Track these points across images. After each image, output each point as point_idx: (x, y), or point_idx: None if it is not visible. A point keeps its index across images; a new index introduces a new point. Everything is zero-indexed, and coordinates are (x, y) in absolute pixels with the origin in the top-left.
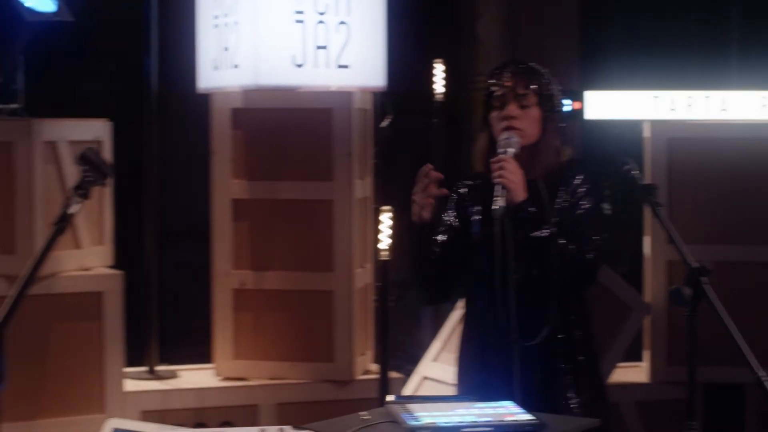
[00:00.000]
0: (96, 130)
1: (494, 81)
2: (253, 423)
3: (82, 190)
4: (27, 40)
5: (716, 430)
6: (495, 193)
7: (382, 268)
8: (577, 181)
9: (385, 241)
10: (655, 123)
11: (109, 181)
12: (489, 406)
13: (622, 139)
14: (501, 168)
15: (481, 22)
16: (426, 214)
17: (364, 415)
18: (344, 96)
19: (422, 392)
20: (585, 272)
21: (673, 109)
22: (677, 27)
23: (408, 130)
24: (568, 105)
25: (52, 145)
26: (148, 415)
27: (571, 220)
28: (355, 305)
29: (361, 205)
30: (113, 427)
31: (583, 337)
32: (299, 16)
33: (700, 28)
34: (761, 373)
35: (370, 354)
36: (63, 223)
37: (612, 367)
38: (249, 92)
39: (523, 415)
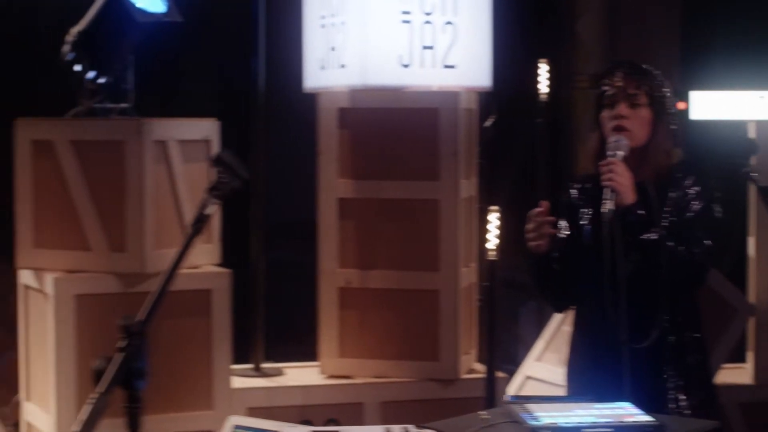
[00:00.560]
0: (204, 130)
1: (606, 81)
2: (358, 421)
3: (218, 191)
4: (137, 40)
5: None
6: (604, 196)
7: (490, 268)
8: (687, 183)
9: (492, 240)
10: (760, 123)
11: (243, 183)
12: (607, 406)
13: (725, 140)
14: (610, 171)
15: (581, 22)
16: (542, 249)
17: (483, 414)
18: (450, 96)
19: (526, 392)
20: (694, 275)
21: None
22: None
23: (512, 131)
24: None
25: (161, 145)
26: (254, 412)
27: (681, 223)
28: (460, 304)
29: (466, 204)
30: (234, 424)
31: (693, 338)
32: (406, 17)
33: None
34: None
35: (474, 353)
36: (200, 223)
37: (716, 368)
38: (356, 92)
39: (642, 416)
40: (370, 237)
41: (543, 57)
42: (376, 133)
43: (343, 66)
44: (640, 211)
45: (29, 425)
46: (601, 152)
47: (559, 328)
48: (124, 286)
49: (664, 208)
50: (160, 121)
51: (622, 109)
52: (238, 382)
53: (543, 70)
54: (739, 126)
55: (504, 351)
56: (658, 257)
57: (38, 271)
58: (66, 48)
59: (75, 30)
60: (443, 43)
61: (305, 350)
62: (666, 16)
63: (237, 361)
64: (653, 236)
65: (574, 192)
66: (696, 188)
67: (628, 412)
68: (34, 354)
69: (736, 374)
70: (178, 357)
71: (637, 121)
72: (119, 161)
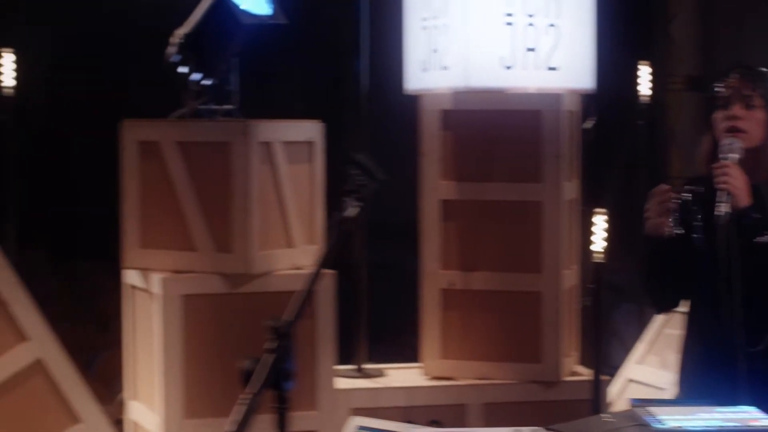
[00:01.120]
0: (308, 131)
1: (719, 82)
2: (461, 423)
3: (356, 193)
4: (242, 42)
5: None
6: (719, 199)
7: (596, 270)
8: None
9: (598, 243)
10: None
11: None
12: (729, 411)
13: None
14: (724, 174)
15: (675, 24)
16: (663, 231)
17: (606, 417)
18: (553, 98)
19: (628, 395)
20: None
21: None
22: None
23: (612, 132)
24: None
25: (266, 146)
26: (358, 413)
27: None
28: (562, 306)
29: (568, 206)
30: (357, 425)
31: None
32: (509, 19)
33: None
34: None
35: (575, 355)
36: (342, 225)
37: None
38: (458, 94)
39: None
40: (473, 239)
41: (637, 58)
42: (479, 134)
43: (445, 68)
44: (755, 214)
45: (136, 424)
46: (713, 154)
47: (661, 330)
48: (229, 286)
49: None
50: (265, 122)
51: (737, 110)
52: (340, 383)
53: (644, 71)
54: None
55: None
56: None
57: (144, 271)
58: (172, 50)
59: (181, 32)
60: (546, 45)
61: (399, 351)
62: (765, 18)
63: (339, 362)
64: None
65: (686, 196)
66: None
67: (752, 416)
68: (140, 353)
69: None
70: None
71: (752, 123)
72: (225, 162)
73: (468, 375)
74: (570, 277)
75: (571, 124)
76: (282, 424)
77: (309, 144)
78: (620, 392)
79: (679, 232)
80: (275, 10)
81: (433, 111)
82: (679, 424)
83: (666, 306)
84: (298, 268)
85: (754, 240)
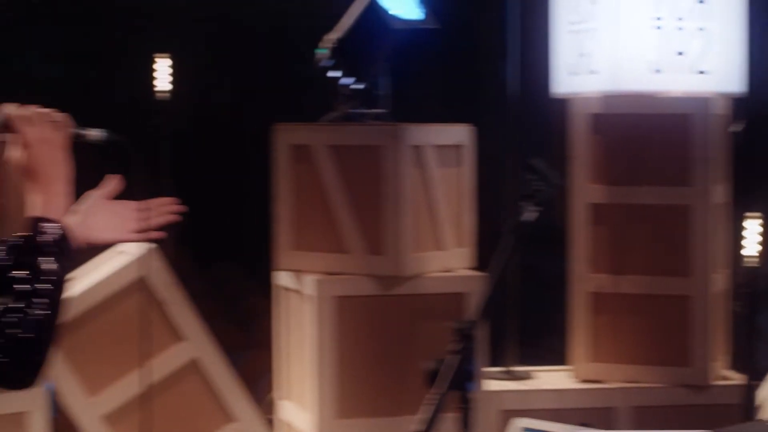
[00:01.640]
0: (458, 135)
1: None
2: (610, 426)
3: (533, 198)
4: (392, 47)
5: None
6: None
7: (749, 275)
8: None
9: (751, 247)
10: None
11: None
12: None
13: None
14: None
15: None
16: None
17: None
18: (702, 101)
19: None
20: None
21: None
22: None
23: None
24: None
25: (417, 149)
26: (508, 415)
27: None
28: (711, 310)
29: (718, 210)
30: (522, 427)
31: None
32: (658, 23)
33: None
34: None
35: (724, 360)
36: (520, 230)
37: None
38: (608, 98)
39: None
40: (622, 242)
41: None
42: (628, 138)
43: (593, 72)
44: None
45: (288, 424)
46: None
47: None
48: (381, 288)
49: None
50: (415, 126)
51: None
52: (490, 385)
53: None
54: None
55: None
56: None
57: (297, 272)
58: (323, 54)
59: (332, 37)
60: (695, 49)
61: (540, 353)
62: None
63: (488, 365)
64: None
65: None
66: None
67: None
68: (292, 354)
69: None
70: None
71: None
72: (376, 165)
73: (617, 378)
74: (720, 281)
75: (721, 127)
76: (466, 424)
77: (459, 147)
78: (767, 397)
79: None
80: (427, 14)
81: (583, 115)
82: None
83: None
84: (447, 271)
85: None
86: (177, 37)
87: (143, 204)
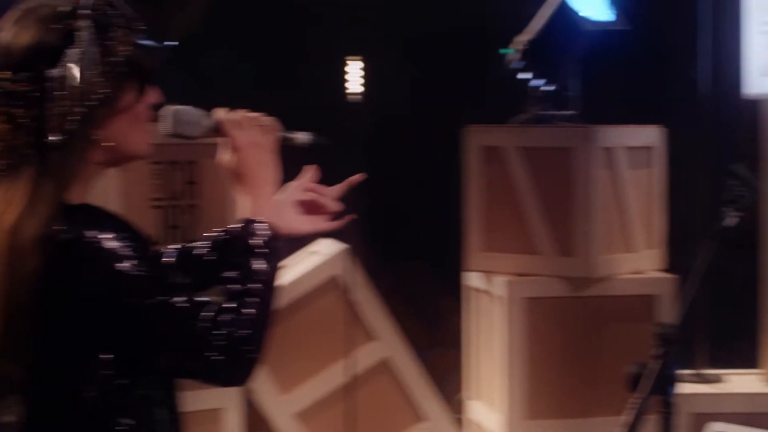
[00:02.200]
0: (649, 136)
1: None
2: None
3: (736, 204)
4: (582, 48)
5: None
6: None
7: None
8: None
9: None
10: None
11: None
12: None
13: None
14: None
15: None
16: None
17: None
18: None
19: None
20: None
21: None
22: None
23: None
24: None
25: (608, 151)
26: (700, 418)
27: None
28: None
29: None
30: (717, 431)
31: None
32: None
33: None
34: None
35: None
36: (722, 235)
37: None
38: None
39: None
40: None
41: None
42: None
43: None
44: None
45: (477, 424)
46: None
47: None
48: (572, 290)
49: None
50: (607, 127)
51: None
52: (681, 388)
53: None
54: None
55: None
56: None
57: (487, 273)
58: (515, 56)
59: (523, 39)
60: None
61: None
62: None
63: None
64: None
65: None
66: None
67: None
68: (481, 354)
69: None
70: (619, 361)
71: None
72: (567, 167)
73: None
74: None
75: None
76: (667, 428)
77: (650, 149)
78: None
79: None
80: (617, 15)
81: None
82: None
83: None
84: (638, 273)
85: None
86: (368, 40)
87: (335, 189)
